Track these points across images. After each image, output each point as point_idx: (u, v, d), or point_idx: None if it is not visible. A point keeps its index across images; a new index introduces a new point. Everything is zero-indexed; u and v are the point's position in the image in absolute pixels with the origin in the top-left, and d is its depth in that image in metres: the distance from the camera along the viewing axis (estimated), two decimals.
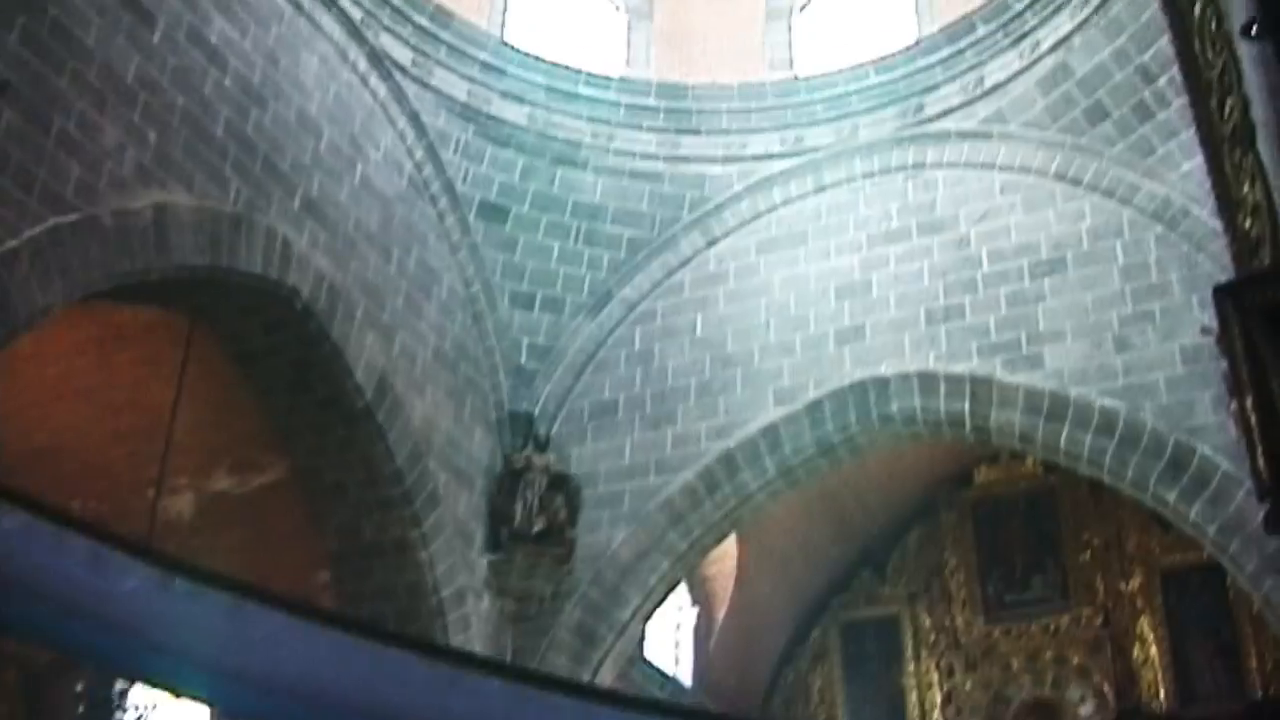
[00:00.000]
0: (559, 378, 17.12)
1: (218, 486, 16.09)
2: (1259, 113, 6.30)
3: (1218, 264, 13.11)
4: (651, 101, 17.95)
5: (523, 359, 17.09)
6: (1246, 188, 6.45)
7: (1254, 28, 5.64)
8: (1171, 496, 14.38)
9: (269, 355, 14.27)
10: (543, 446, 16.65)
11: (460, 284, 16.58)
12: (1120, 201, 15.38)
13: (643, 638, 19.40)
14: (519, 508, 16.26)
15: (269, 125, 13.85)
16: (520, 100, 17.36)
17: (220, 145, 13.10)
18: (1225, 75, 6.34)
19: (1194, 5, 6.55)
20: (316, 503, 15.31)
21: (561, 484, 16.53)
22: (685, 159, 17.79)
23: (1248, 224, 6.63)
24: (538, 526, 16.24)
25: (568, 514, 16.38)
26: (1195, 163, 12.10)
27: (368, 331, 14.75)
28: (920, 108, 17.11)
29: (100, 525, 5.93)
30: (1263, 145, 6.30)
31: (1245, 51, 6.03)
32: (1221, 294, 5.25)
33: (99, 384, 15.25)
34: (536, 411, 16.90)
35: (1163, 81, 14.54)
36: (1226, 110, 6.55)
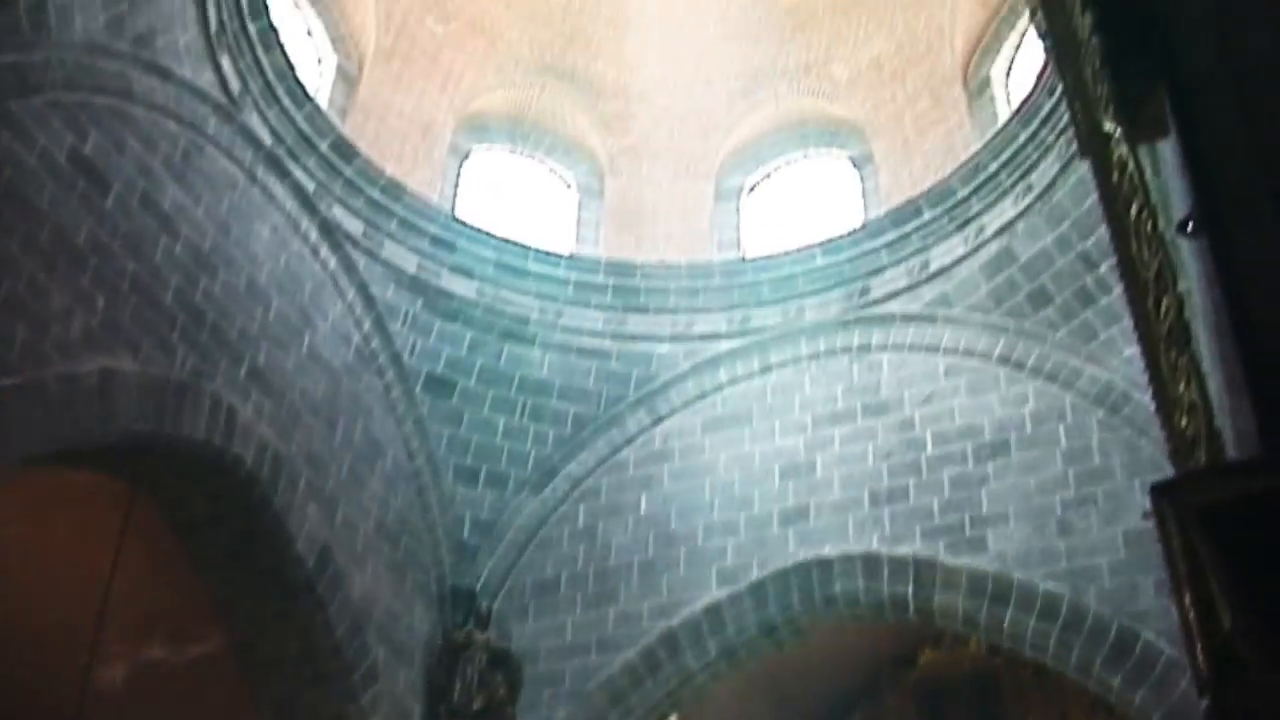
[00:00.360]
0: (502, 553, 17.03)
1: (152, 656, 15.86)
2: (1198, 303, 6.47)
3: (1160, 449, 13.29)
4: (600, 279, 18.16)
5: (465, 534, 17.01)
6: (1182, 387, 6.59)
7: (1189, 225, 5.83)
8: (1116, 681, 14.34)
9: (210, 524, 14.14)
10: (484, 623, 16.48)
11: (405, 457, 16.57)
12: (1063, 386, 15.60)
13: None
14: (458, 685, 16.01)
15: (218, 293, 13.93)
16: (469, 275, 17.54)
17: (169, 312, 13.14)
18: (1161, 276, 6.52)
19: (1130, 207, 6.76)
20: (253, 675, 15.02)
21: (502, 661, 16.32)
22: (632, 337, 17.96)
23: (1184, 423, 6.77)
24: (477, 704, 16.00)
25: (508, 692, 16.16)
26: (1137, 349, 12.33)
27: (310, 502, 14.67)
28: (866, 290, 17.39)
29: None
30: (1203, 337, 6.46)
31: (1184, 246, 6.22)
32: (1158, 492, 5.36)
33: (34, 548, 15.08)
34: (478, 587, 16.77)
35: (1104, 268, 14.84)
36: (1163, 310, 6.73)
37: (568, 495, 17.30)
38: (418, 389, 16.88)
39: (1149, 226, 6.49)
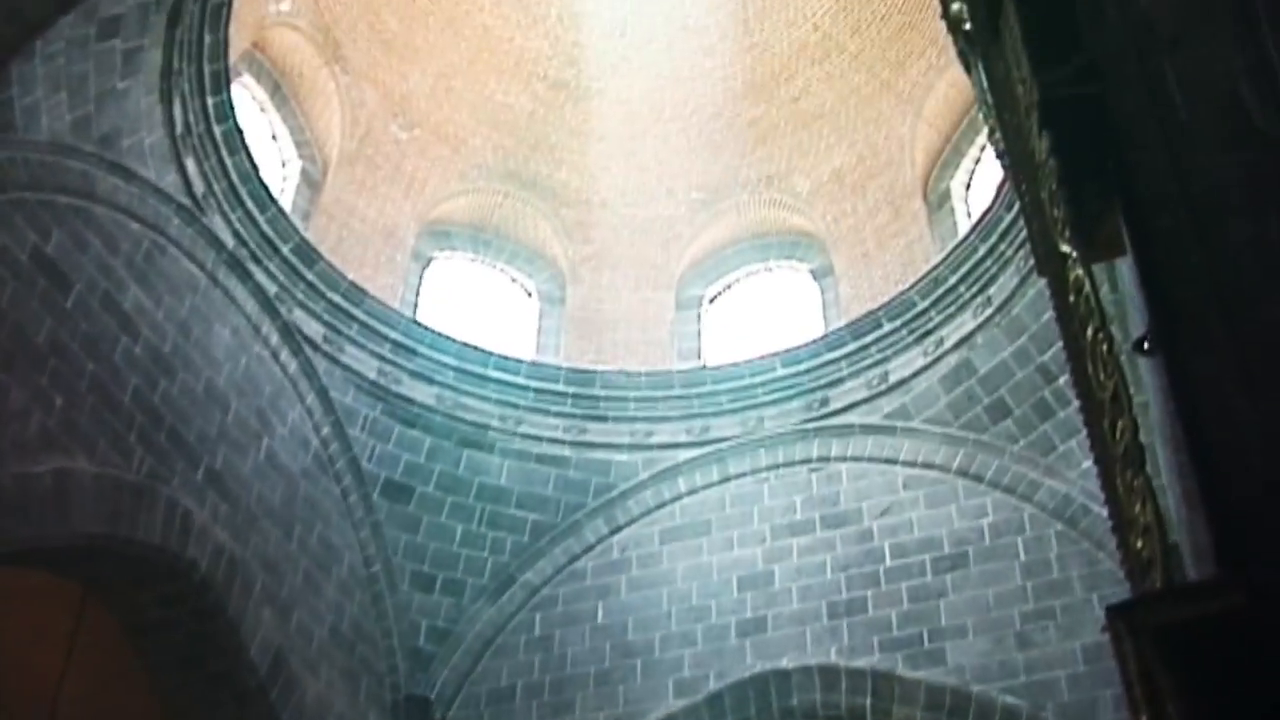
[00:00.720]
0: (457, 662, 16.92)
1: None
2: (1156, 418, 6.57)
3: (1118, 563, 13.37)
4: (560, 386, 18.22)
5: (421, 641, 16.91)
6: (1138, 508, 6.68)
7: (1145, 344, 5.95)
8: None
9: (162, 628, 14.01)
10: None
11: (361, 563, 16.50)
12: (1021, 499, 15.71)
13: None
14: None
15: (177, 395, 13.92)
16: (429, 380, 17.57)
17: (127, 413, 13.13)
18: (1117, 398, 6.64)
19: (1086, 328, 6.88)
20: None
21: None
22: (592, 445, 17.99)
23: (1139, 544, 6.85)
24: None
25: None
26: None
27: (265, 608, 14.57)
28: (825, 401, 17.51)
29: None
30: (1160, 452, 6.56)
31: (1142, 365, 6.33)
32: (1114, 613, 5.42)
33: None
34: (433, 696, 16.63)
35: (1062, 381, 14.98)
36: (1118, 432, 6.83)
37: (525, 604, 17.24)
38: (375, 494, 16.85)
39: (1105, 348, 6.62)
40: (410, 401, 17.35)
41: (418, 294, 19.09)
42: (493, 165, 20.15)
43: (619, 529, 17.63)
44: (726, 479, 17.60)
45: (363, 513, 16.63)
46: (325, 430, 16.36)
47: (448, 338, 17.96)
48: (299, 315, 16.37)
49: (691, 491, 17.66)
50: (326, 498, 16.22)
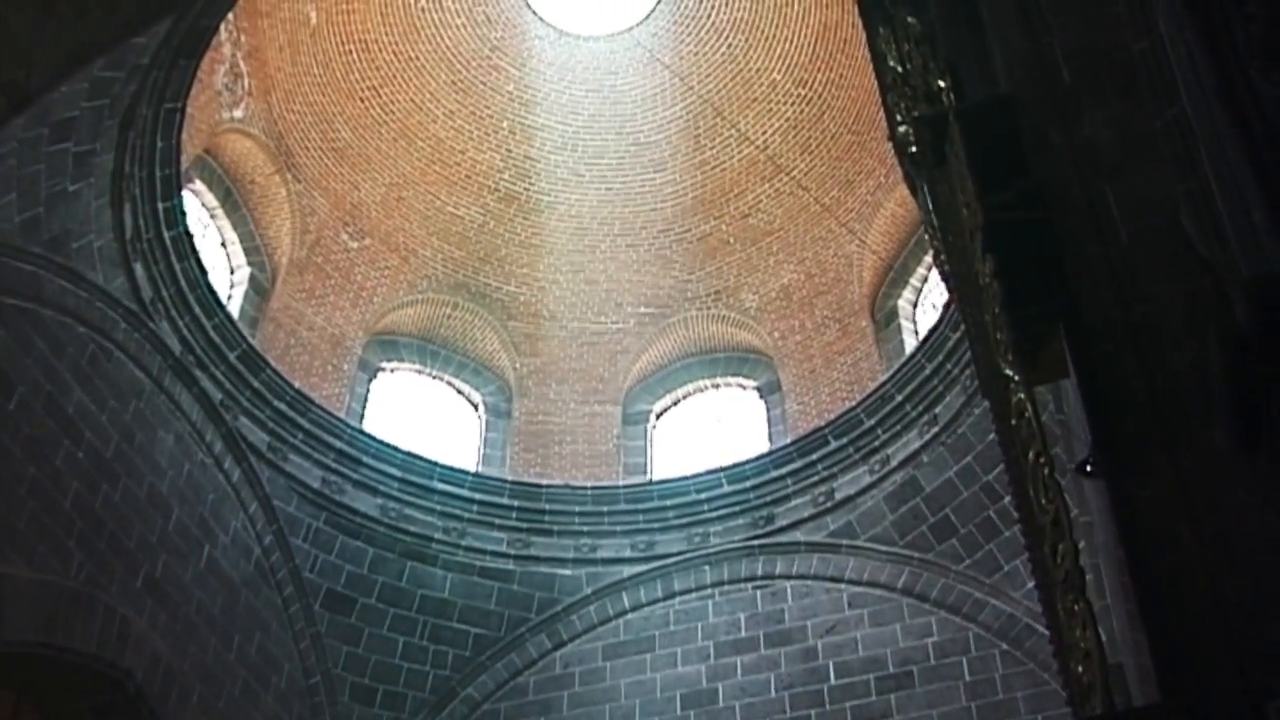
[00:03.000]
0: None
1: None
2: (1099, 538, 6.67)
3: (1062, 683, 13.44)
4: (505, 500, 18.21)
5: None
6: (1078, 633, 6.76)
7: (1088, 466, 6.06)
8: None
9: None
10: None
11: (301, 674, 16.34)
12: (966, 618, 15.77)
13: None
14: None
15: (118, 501, 13.82)
16: (374, 491, 17.54)
17: (66, 519, 13.01)
18: (1058, 522, 6.74)
19: (1028, 452, 7.00)
20: None
21: None
22: (536, 559, 17.97)
23: (1079, 669, 6.92)
24: None
25: None
26: None
27: (201, 719, 14.41)
28: (770, 518, 17.57)
29: None
30: (1104, 570, 6.66)
31: (1086, 486, 6.44)
32: None
33: None
34: None
35: (1007, 500, 15.10)
36: (1059, 556, 6.93)
37: (466, 719, 17.11)
38: (317, 605, 16.74)
39: (1046, 471, 6.73)
40: (354, 512, 17.30)
41: (364, 404, 19.11)
42: (442, 276, 20.26)
43: (562, 644, 17.56)
44: (671, 595, 17.60)
45: (303, 623, 16.50)
46: (268, 539, 16.27)
47: (393, 448, 17.96)
48: (244, 423, 16.35)
49: (636, 607, 17.63)
50: (267, 608, 16.09)
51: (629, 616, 17.60)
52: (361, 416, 18.82)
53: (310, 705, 16.34)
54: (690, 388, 20.56)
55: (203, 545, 15.07)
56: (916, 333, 18.59)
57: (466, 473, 18.47)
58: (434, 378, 20.26)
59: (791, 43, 19.28)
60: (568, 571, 17.94)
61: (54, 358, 13.28)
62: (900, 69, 9.51)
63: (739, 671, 16.67)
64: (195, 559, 14.89)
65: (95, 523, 13.39)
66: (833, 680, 16.16)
